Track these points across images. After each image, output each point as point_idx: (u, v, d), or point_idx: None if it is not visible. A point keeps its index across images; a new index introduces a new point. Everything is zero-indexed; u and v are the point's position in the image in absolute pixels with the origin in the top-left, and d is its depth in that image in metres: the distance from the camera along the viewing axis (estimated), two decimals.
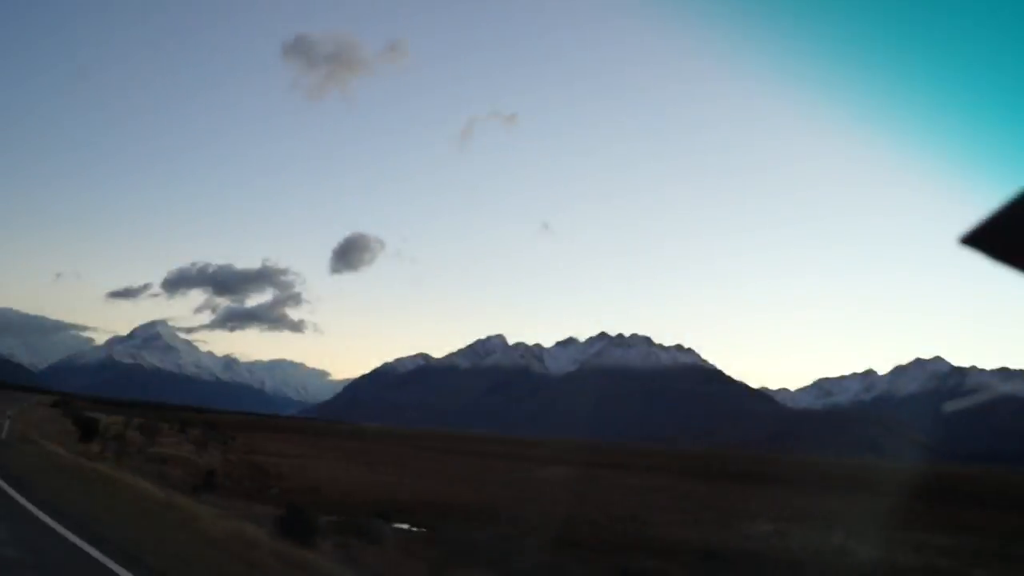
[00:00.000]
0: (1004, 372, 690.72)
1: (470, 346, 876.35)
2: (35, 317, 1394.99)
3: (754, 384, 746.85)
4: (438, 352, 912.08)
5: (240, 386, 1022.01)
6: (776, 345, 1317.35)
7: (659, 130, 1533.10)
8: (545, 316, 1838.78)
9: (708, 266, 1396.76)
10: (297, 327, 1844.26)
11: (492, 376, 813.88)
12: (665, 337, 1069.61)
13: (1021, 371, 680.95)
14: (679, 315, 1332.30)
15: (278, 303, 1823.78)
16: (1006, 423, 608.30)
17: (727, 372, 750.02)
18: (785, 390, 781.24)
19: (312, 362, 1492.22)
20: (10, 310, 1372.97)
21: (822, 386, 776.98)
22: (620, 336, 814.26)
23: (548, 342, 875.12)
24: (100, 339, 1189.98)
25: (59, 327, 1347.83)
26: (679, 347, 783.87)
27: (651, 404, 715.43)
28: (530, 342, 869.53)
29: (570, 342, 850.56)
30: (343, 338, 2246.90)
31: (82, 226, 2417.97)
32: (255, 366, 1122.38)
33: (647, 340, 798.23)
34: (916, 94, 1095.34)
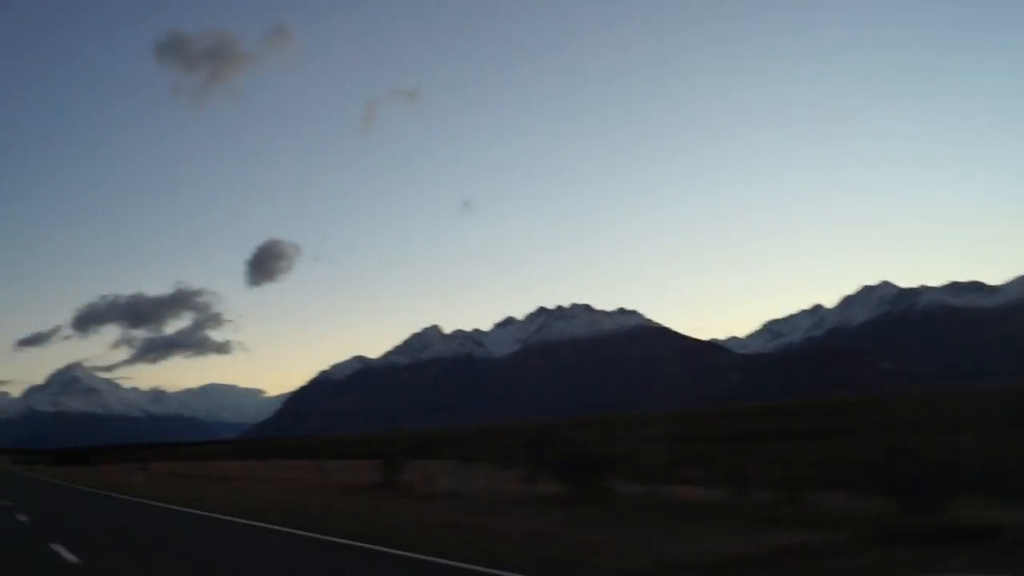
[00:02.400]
0: (953, 287, 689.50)
1: (406, 341, 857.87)
2: None
3: (703, 336, 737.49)
4: (374, 352, 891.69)
5: (173, 417, 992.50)
6: (719, 293, 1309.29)
7: (570, 86, 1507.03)
8: (479, 299, 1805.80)
9: (639, 222, 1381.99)
10: (223, 348, 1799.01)
11: (433, 369, 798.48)
12: (606, 302, 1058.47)
13: (970, 283, 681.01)
14: (617, 277, 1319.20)
15: (198, 327, 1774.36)
16: (962, 338, 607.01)
17: (674, 328, 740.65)
18: (735, 338, 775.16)
19: (244, 382, 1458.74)
20: None
21: (771, 328, 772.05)
22: (559, 308, 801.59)
23: (486, 325, 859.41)
24: (16, 391, 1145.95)
25: None
26: (621, 310, 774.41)
27: (603, 372, 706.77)
28: (468, 328, 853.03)
29: (509, 322, 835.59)
30: (272, 352, 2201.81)
31: None
32: (185, 395, 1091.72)
33: (587, 308, 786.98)
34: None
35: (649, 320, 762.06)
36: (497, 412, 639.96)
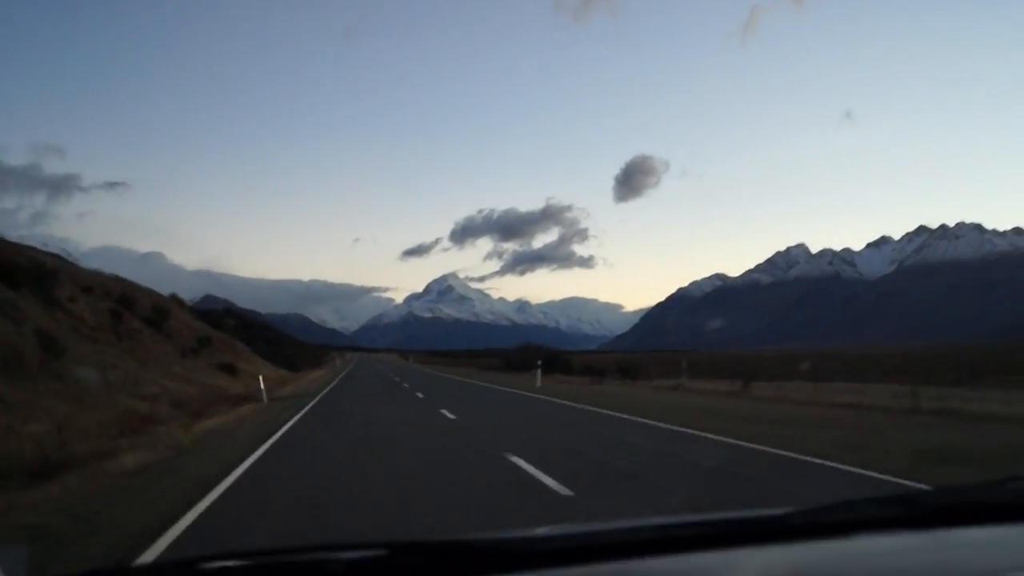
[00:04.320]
0: None
1: (769, 259, 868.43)
2: (341, 285, 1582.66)
3: None
4: (735, 270, 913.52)
5: (536, 327, 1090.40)
6: None
7: None
8: (852, 216, 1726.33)
9: None
10: (586, 263, 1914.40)
11: (797, 288, 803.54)
12: (999, 221, 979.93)
13: None
14: (1012, 193, 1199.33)
15: (564, 241, 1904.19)
16: None
17: None
18: None
19: (604, 296, 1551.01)
20: (320, 281, 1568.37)
21: None
22: (943, 227, 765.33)
23: (858, 244, 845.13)
24: (399, 297, 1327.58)
25: (363, 291, 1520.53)
26: (1018, 230, 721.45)
27: (990, 298, 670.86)
28: (837, 247, 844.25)
29: (883, 241, 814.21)
30: (634, 268, 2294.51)
31: (371, 190, 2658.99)
32: (548, 306, 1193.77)
33: (977, 227, 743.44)
34: None
35: None
36: (865, 336, 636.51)
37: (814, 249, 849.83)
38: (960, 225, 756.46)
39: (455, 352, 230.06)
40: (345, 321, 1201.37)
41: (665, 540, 1.62)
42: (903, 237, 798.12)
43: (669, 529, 1.67)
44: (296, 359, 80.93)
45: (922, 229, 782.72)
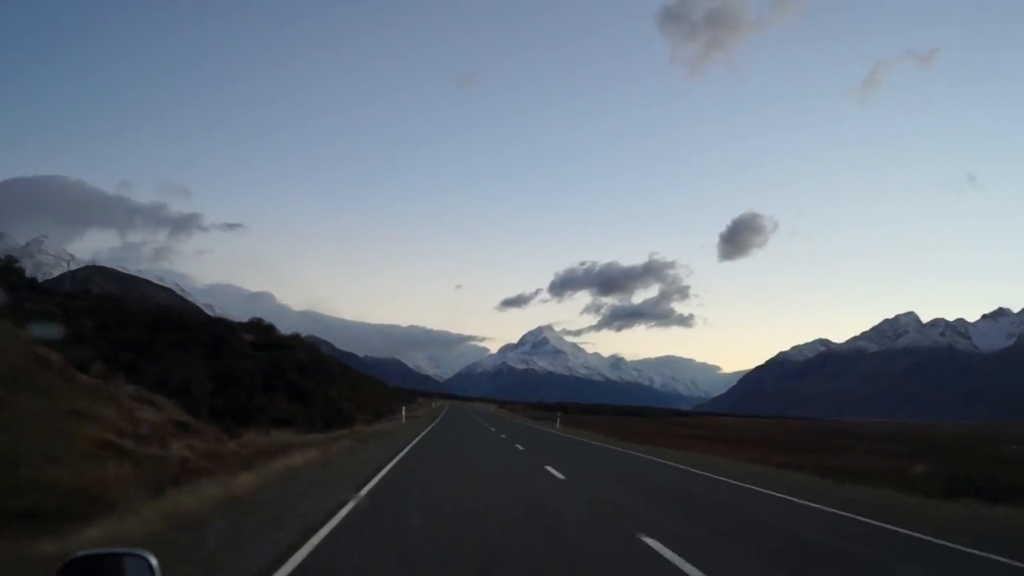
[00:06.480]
0: None
1: (876, 327, 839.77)
2: (439, 332, 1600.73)
3: None
4: (840, 337, 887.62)
5: (629, 384, 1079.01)
6: None
7: None
8: (968, 286, 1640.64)
9: None
10: (685, 322, 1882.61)
11: (906, 358, 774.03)
12: None
13: None
14: None
15: (664, 298, 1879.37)
16: None
17: None
18: None
19: (701, 356, 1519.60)
20: (419, 327, 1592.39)
21: None
22: None
23: (973, 316, 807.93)
24: (494, 347, 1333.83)
25: (459, 339, 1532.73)
26: None
27: None
28: (950, 317, 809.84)
29: (1001, 314, 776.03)
30: (734, 329, 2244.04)
31: (474, 239, 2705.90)
32: (642, 363, 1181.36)
33: None
34: None
35: None
36: (977, 414, 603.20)
37: (925, 318, 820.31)
38: None
39: (565, 405, 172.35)
40: (439, 368, 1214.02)
41: None
42: (1022, 310, 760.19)
43: None
44: (338, 408, 49.33)
45: None
